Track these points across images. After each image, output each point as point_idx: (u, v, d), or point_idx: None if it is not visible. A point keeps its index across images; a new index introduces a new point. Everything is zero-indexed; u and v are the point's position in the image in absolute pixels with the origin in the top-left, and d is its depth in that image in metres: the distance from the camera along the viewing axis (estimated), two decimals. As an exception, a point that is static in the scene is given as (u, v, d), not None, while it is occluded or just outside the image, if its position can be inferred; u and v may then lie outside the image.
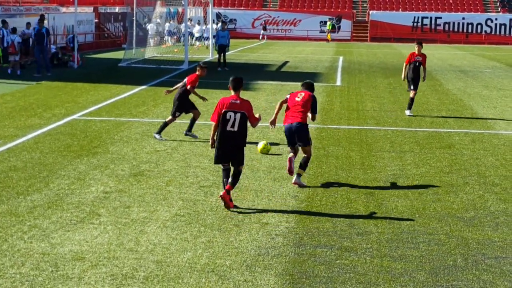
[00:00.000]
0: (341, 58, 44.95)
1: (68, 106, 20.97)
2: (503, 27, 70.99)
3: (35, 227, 9.73)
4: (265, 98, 23.99)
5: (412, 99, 20.71)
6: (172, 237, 9.48)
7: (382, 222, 10.39)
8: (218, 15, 67.81)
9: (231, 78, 11.09)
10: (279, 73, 34.54)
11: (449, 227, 10.28)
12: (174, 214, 10.50)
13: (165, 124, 16.26)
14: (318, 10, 73.76)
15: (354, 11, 74.79)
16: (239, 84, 11.05)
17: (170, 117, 16.32)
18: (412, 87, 20.64)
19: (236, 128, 10.79)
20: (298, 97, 12.61)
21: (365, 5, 76.26)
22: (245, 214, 10.60)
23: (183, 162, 13.97)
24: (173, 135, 16.50)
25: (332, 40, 68.61)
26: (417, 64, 20.69)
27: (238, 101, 10.86)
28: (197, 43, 52.53)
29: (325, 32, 69.06)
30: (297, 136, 12.42)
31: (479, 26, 71.02)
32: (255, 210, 10.83)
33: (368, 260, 8.82)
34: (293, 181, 12.45)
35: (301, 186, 12.32)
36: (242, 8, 74.55)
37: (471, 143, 16.69)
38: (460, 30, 71.07)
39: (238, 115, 10.79)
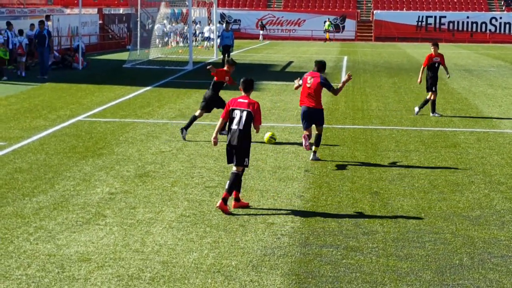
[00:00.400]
0: (345, 58, 44.94)
1: (73, 107, 20.99)
2: (507, 25, 70.93)
3: (41, 228, 9.74)
4: (270, 98, 24.00)
5: (433, 101, 20.45)
6: (177, 237, 9.48)
7: (387, 222, 10.37)
8: (222, 16, 67.84)
9: (242, 80, 11.08)
10: (284, 73, 34.53)
11: (455, 226, 10.27)
12: (180, 215, 10.49)
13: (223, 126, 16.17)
14: (322, 10, 73.75)
15: (358, 10, 74.79)
16: (250, 86, 11.05)
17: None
18: (433, 89, 20.42)
19: (241, 127, 10.73)
20: (308, 83, 14.01)
21: (369, 4, 76.22)
22: (250, 214, 10.60)
23: (188, 162, 13.97)
24: (177, 136, 16.48)
25: (336, 40, 68.58)
26: (436, 65, 20.56)
27: (246, 101, 10.85)
28: (205, 43, 52.61)
29: (325, 33, 68.99)
30: (315, 118, 14.04)
31: (483, 25, 70.96)
32: (261, 210, 10.83)
33: (374, 260, 8.81)
34: (310, 159, 14.21)
35: (317, 160, 14.15)
36: (246, 8, 74.58)
37: (476, 142, 16.66)
38: (465, 29, 71.02)
39: (245, 113, 10.75)
